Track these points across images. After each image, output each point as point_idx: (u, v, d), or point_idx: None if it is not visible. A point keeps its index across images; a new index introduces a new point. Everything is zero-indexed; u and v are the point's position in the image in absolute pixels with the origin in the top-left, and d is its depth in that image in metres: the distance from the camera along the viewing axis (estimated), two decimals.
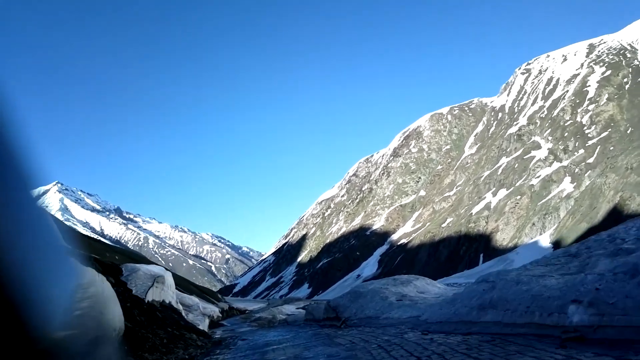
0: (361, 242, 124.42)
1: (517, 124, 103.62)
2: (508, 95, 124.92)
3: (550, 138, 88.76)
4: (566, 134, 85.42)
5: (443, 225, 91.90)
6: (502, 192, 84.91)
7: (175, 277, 53.67)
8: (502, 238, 75.80)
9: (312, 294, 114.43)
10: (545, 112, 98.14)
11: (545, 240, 68.26)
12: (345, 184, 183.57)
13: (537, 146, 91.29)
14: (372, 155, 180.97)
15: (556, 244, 61.53)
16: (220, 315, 39.94)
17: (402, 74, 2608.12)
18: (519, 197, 79.13)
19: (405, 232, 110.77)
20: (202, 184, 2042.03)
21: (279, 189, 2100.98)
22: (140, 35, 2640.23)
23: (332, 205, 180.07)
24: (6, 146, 0.60)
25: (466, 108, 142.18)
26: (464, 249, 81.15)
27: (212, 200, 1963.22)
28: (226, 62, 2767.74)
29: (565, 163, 79.55)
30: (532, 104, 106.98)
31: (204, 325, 22.05)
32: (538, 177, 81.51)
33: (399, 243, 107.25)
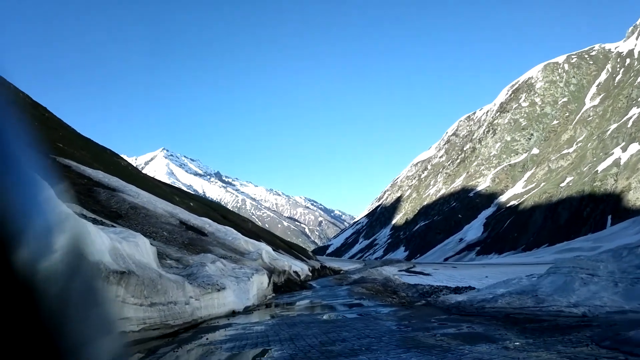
0: (463, 204, 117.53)
1: None
2: (637, 38, 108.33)
3: None
4: None
5: (562, 185, 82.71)
6: (634, 147, 73.96)
7: (262, 231, 52.74)
8: (636, 197, 66.12)
9: (410, 257, 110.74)
10: None
11: None
12: (444, 144, 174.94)
13: None
14: (474, 113, 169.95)
15: None
16: (310, 274, 35.77)
17: (509, 23, 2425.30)
18: None
19: (516, 194, 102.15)
20: (295, 148, 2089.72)
21: (371, 151, 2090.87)
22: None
23: (429, 167, 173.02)
24: None
25: (586, 56, 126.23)
26: (588, 211, 72.23)
27: (304, 163, 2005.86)
28: (326, 20, 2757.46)
29: None
30: None
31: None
32: None
33: (508, 205, 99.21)
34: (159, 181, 47.00)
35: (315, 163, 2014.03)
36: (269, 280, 20.66)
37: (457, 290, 17.88)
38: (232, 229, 27.86)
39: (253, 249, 25.07)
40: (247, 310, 15.04)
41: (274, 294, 21.34)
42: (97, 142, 45.81)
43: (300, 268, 32.52)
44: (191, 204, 30.35)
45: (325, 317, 12.07)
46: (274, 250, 30.01)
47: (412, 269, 42.24)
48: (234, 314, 14.02)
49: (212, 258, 16.38)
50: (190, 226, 24.24)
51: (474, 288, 17.50)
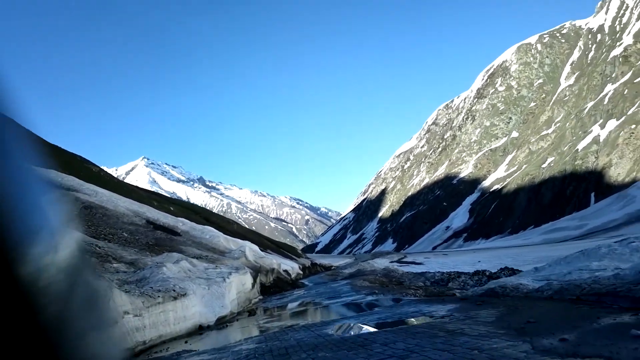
0: (447, 192, 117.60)
1: (621, 44, 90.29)
2: (606, 13, 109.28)
3: None
4: None
5: (543, 165, 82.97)
6: (612, 123, 74.41)
7: (249, 231, 51.34)
8: (617, 173, 66.45)
9: (399, 249, 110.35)
10: None
11: None
12: (425, 134, 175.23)
13: None
14: (451, 101, 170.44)
15: None
16: (301, 272, 34.38)
17: (480, 6, 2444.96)
18: (633, 126, 68.74)
19: (498, 177, 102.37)
20: (278, 148, 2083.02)
21: (354, 146, 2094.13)
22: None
23: (411, 157, 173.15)
24: None
25: (557, 34, 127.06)
26: (571, 189, 72.48)
27: (288, 162, 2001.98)
28: (300, 20, 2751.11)
29: None
30: (638, 19, 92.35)
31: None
32: None
33: (491, 189, 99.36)
34: (137, 187, 45.34)
35: (299, 162, 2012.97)
36: (254, 281, 17.92)
37: (478, 274, 15.72)
38: (211, 227, 25.73)
39: (235, 247, 22.79)
40: (222, 323, 11.53)
41: (261, 296, 18.87)
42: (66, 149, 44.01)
43: (291, 267, 31.14)
44: (171, 208, 28.99)
45: (335, 330, 7.54)
46: (261, 250, 28.21)
47: (404, 260, 41.60)
48: (200, 330, 10.55)
49: (177, 257, 13.58)
50: (160, 225, 21.61)
51: (513, 270, 15.00)
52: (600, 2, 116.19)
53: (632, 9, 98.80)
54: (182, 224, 24.41)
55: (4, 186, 0.57)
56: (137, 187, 45.68)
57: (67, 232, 0.69)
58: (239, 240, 26.51)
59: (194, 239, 22.18)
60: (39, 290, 0.57)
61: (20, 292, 0.54)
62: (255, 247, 24.89)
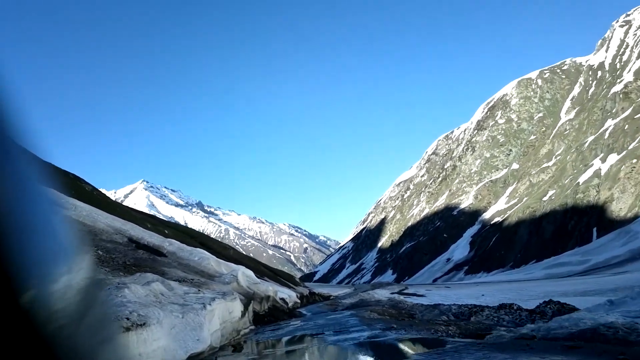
0: (448, 223, 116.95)
1: (622, 81, 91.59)
2: (607, 51, 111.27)
3: None
4: None
5: (544, 198, 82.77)
6: (613, 157, 74.67)
7: (245, 257, 50.52)
8: (619, 208, 66.23)
9: (398, 280, 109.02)
10: None
11: None
12: (425, 164, 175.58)
13: None
14: (452, 132, 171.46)
15: None
16: (299, 301, 33.46)
17: (480, 41, 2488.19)
18: (634, 160, 68.89)
19: (499, 210, 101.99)
20: (277, 175, 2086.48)
21: (353, 174, 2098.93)
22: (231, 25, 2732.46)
23: (411, 187, 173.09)
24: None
25: (558, 70, 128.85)
26: (573, 223, 72.09)
27: (287, 189, 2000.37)
28: (301, 51, 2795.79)
29: None
30: (638, 58, 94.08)
31: None
32: None
33: (492, 222, 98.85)
34: (131, 208, 44.87)
35: (298, 189, 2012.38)
36: (245, 309, 15.80)
37: (504, 307, 13.89)
38: (202, 250, 23.72)
39: (226, 271, 21.10)
40: None
41: (253, 326, 16.47)
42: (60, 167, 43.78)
43: (288, 295, 30.03)
44: (166, 231, 28.39)
45: None
46: (257, 277, 26.97)
47: (405, 291, 40.86)
48: None
49: (150, 278, 11.60)
50: (143, 245, 20.16)
51: (562, 305, 12.88)
52: (601, 40, 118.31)
53: (632, 47, 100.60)
54: (169, 244, 22.40)
55: (16, 205, 0.56)
56: (131, 208, 45.22)
57: (80, 254, 0.68)
58: (232, 264, 24.54)
59: (181, 261, 20.04)
60: (53, 314, 0.56)
61: (32, 315, 0.54)
62: (250, 273, 22.91)
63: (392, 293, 38.88)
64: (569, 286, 26.55)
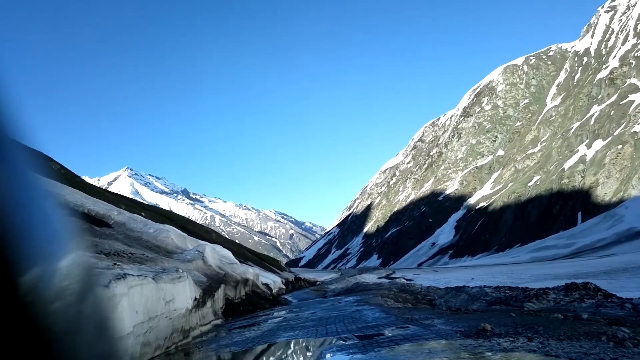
0: (433, 208, 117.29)
1: (608, 66, 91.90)
2: (592, 37, 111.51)
3: None
4: None
5: (529, 184, 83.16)
6: (599, 143, 75.11)
7: (228, 241, 49.21)
8: (604, 193, 66.78)
9: (384, 264, 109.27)
10: None
11: None
12: (411, 150, 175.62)
13: (635, 89, 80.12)
14: (438, 119, 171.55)
15: None
16: (284, 287, 32.29)
17: (466, 28, 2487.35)
18: (620, 146, 69.38)
19: (484, 195, 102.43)
20: (263, 162, 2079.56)
21: (339, 161, 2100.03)
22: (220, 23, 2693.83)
23: (397, 173, 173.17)
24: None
25: (544, 56, 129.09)
26: (558, 208, 72.55)
27: (273, 176, 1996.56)
28: (285, 40, 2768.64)
29: None
30: (623, 44, 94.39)
31: None
32: None
33: (477, 207, 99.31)
34: (106, 190, 43.51)
35: (284, 175, 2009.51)
36: (206, 295, 11.44)
37: (575, 288, 10.06)
38: (162, 225, 19.16)
39: (191, 247, 17.16)
40: None
41: (219, 320, 12.12)
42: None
43: (272, 280, 28.16)
44: (142, 213, 27.38)
45: None
46: (240, 261, 23.80)
47: (392, 275, 40.58)
48: None
49: None
50: (84, 213, 14.66)
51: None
52: (586, 26, 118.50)
53: (617, 33, 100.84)
54: (119, 213, 18.50)
55: (12, 198, 0.57)
56: (106, 190, 43.96)
57: (76, 244, 0.69)
58: (201, 240, 20.85)
59: (130, 233, 15.32)
60: (47, 301, 0.56)
61: (27, 303, 0.54)
62: (227, 252, 19.59)
63: (380, 277, 38.56)
64: (559, 269, 26.33)
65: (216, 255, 16.62)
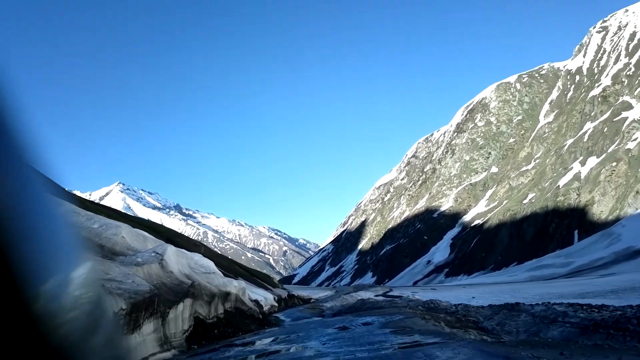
0: (428, 225, 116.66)
1: (600, 85, 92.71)
2: (584, 56, 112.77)
3: None
4: None
5: (524, 201, 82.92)
6: (593, 160, 75.23)
7: (217, 255, 47.83)
8: (600, 210, 66.52)
9: (378, 282, 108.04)
10: (633, 69, 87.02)
11: None
12: (405, 167, 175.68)
13: (628, 106, 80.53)
14: (431, 134, 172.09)
15: None
16: (276, 304, 30.79)
17: (460, 45, 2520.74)
18: (614, 163, 69.39)
19: (479, 212, 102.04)
20: (256, 177, 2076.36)
21: (333, 178, 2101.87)
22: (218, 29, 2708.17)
23: (391, 189, 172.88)
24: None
25: (536, 75, 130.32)
26: (554, 226, 72.17)
27: (267, 192, 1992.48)
28: (279, 52, 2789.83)
29: None
30: (615, 63, 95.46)
31: None
32: (635, 140, 71.17)
33: (472, 224, 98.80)
34: (86, 199, 42.62)
35: (278, 191, 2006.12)
36: (136, 314, 8.87)
37: None
38: (112, 220, 16.16)
39: (151, 246, 14.40)
40: None
41: (175, 350, 9.75)
42: None
43: (263, 297, 25.53)
44: (126, 223, 26.35)
45: None
46: (232, 277, 20.48)
47: (389, 293, 39.68)
48: None
49: None
50: None
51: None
52: (578, 46, 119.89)
53: (609, 52, 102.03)
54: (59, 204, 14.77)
55: (31, 210, 0.57)
56: (86, 199, 43.10)
57: (85, 258, 0.68)
58: (164, 242, 17.83)
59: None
60: (64, 310, 0.57)
61: (38, 317, 0.54)
62: (207, 262, 16.75)
63: (376, 295, 37.68)
64: (561, 288, 25.71)
65: (184, 261, 13.93)
